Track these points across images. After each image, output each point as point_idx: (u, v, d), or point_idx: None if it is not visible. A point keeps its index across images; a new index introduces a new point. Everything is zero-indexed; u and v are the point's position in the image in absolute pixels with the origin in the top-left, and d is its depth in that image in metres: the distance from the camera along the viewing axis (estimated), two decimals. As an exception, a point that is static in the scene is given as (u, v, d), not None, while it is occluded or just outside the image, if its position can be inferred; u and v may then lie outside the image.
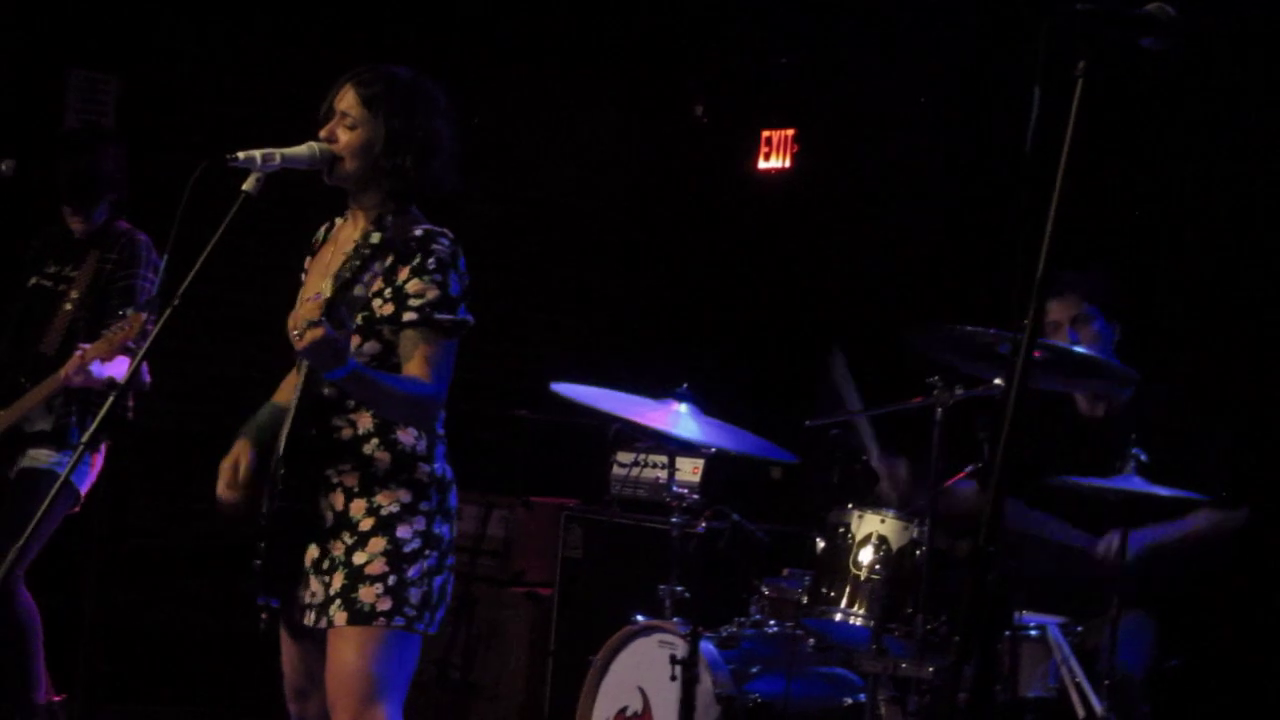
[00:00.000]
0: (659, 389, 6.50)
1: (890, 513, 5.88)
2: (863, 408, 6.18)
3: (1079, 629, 5.74)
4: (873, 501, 6.00)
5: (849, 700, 6.13)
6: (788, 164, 9.21)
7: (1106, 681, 5.40)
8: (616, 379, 6.48)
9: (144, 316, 6.17)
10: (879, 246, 8.37)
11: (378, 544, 4.59)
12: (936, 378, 5.75)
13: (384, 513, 4.62)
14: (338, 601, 4.58)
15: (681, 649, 6.14)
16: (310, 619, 4.66)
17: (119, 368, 6.54)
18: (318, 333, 4.29)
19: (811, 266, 8.78)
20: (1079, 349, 5.65)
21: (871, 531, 5.87)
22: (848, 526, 5.92)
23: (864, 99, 8.66)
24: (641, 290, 9.53)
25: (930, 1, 7.95)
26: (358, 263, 4.37)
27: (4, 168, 6.64)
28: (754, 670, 6.29)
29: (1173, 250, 7.20)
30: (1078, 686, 5.46)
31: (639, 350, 9.01)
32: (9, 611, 6.55)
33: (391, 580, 4.58)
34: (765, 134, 9.33)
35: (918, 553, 5.74)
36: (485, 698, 7.80)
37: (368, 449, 4.64)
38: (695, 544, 6.55)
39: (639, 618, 6.53)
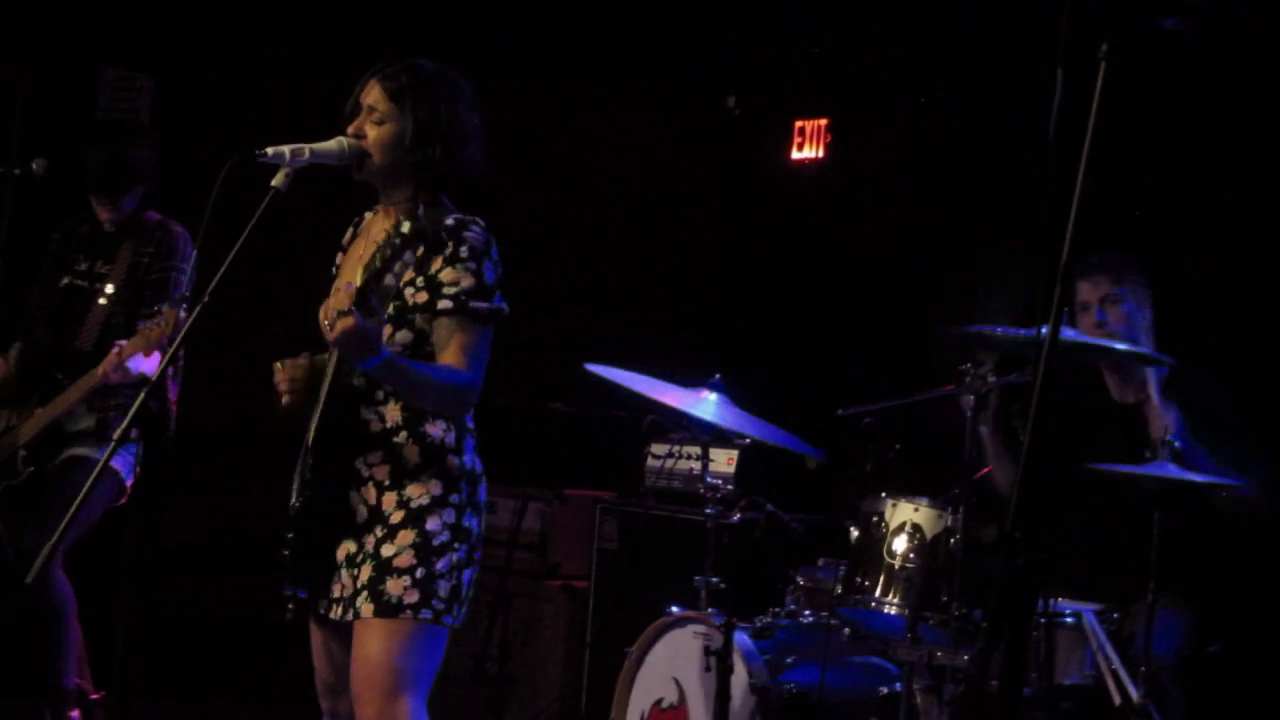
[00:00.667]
0: (692, 380, 6.50)
1: (924, 501, 5.87)
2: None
3: (1115, 616, 5.72)
4: (905, 490, 5.99)
5: (884, 689, 6.11)
6: (821, 154, 9.18)
7: (1143, 668, 5.38)
8: (650, 371, 6.48)
9: (179, 312, 6.17)
10: (912, 237, 8.35)
11: (406, 536, 4.60)
12: (969, 365, 5.74)
13: (414, 505, 4.62)
14: (365, 593, 4.58)
15: (716, 640, 6.14)
16: (338, 612, 4.66)
17: (154, 364, 6.55)
18: (348, 322, 4.29)
19: (845, 257, 8.75)
20: (1092, 339, 5.61)
21: (905, 520, 5.86)
22: (881, 515, 5.91)
23: (897, 88, 8.63)
24: (675, 282, 9.51)
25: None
26: (389, 252, 4.36)
27: (36, 167, 6.64)
28: (789, 660, 6.28)
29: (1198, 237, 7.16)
30: (1114, 674, 5.44)
31: (672, 342, 8.99)
32: (43, 593, 6.56)
33: (419, 573, 4.59)
34: (798, 124, 9.29)
35: (952, 540, 5.73)
36: (522, 691, 7.80)
37: (397, 441, 4.65)
38: (730, 535, 6.54)
39: (674, 609, 6.53)
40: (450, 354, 4.60)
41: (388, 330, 4.56)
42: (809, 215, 9.10)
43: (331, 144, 4.71)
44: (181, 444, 7.15)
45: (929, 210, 8.32)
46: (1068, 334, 5.40)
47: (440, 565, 4.62)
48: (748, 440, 6.97)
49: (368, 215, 4.99)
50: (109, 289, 6.79)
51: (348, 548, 4.65)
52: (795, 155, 9.29)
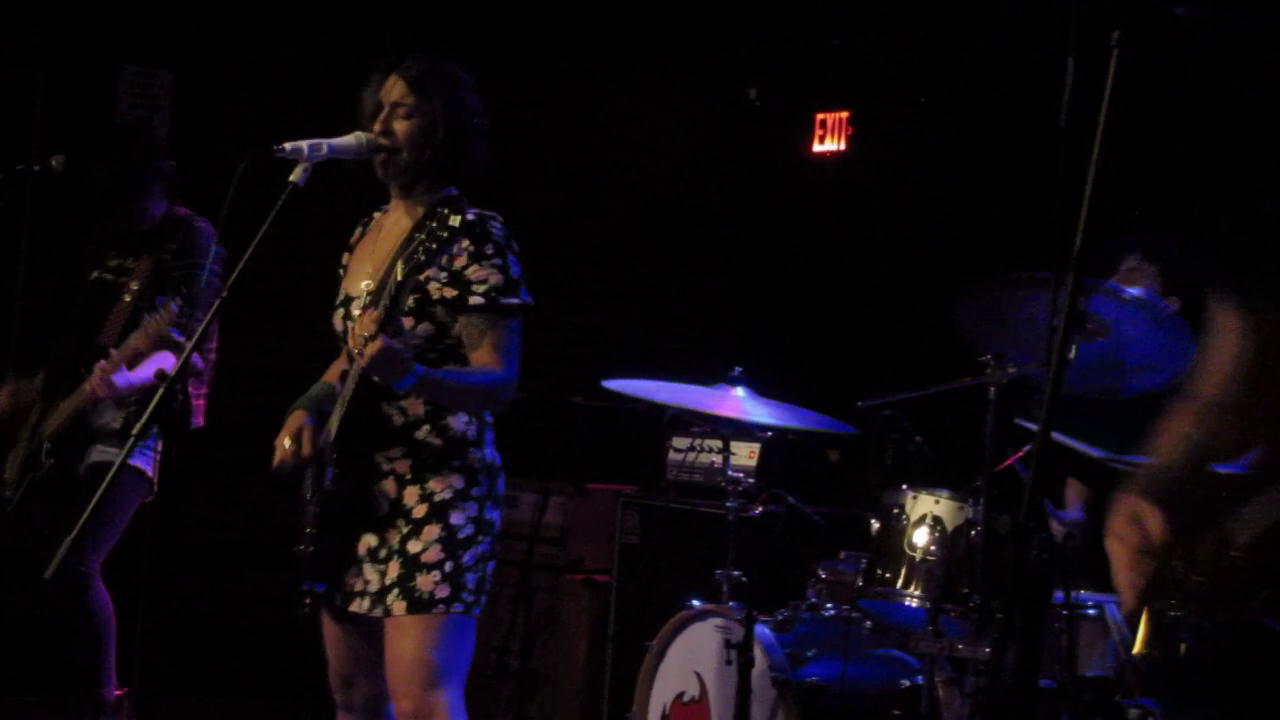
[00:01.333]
0: (714, 374, 6.50)
1: (944, 493, 5.85)
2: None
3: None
4: (926, 482, 5.97)
5: (906, 682, 6.09)
6: (843, 147, 9.17)
7: (1165, 660, 5.35)
8: (672, 364, 6.49)
9: (173, 307, 6.17)
10: (934, 229, 8.33)
11: (432, 531, 4.62)
12: (989, 356, 5.71)
13: (437, 499, 4.64)
14: (395, 590, 4.60)
15: (737, 633, 6.14)
16: (363, 606, 4.67)
17: (165, 360, 6.55)
18: (376, 347, 4.31)
19: (865, 250, 8.74)
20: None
21: (926, 512, 5.84)
22: (902, 507, 5.89)
23: (919, 81, 8.62)
24: (696, 275, 9.51)
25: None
26: (434, 245, 4.35)
27: (55, 164, 6.65)
28: (810, 653, 6.27)
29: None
30: (1136, 666, 5.42)
31: (695, 335, 9.01)
32: (84, 604, 6.57)
33: (448, 567, 4.62)
34: (819, 117, 9.28)
35: (973, 533, 5.71)
36: (545, 685, 7.80)
37: (419, 435, 4.66)
38: (751, 528, 6.54)
39: (694, 602, 6.53)
40: (483, 352, 4.63)
41: (409, 322, 4.57)
42: (830, 208, 9.09)
43: (349, 139, 4.72)
44: (203, 440, 7.16)
45: (949, 204, 8.30)
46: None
47: (467, 558, 4.65)
48: (769, 433, 6.96)
49: (376, 214, 4.99)
50: (134, 285, 6.79)
51: (369, 542, 4.66)
52: (816, 148, 9.28)
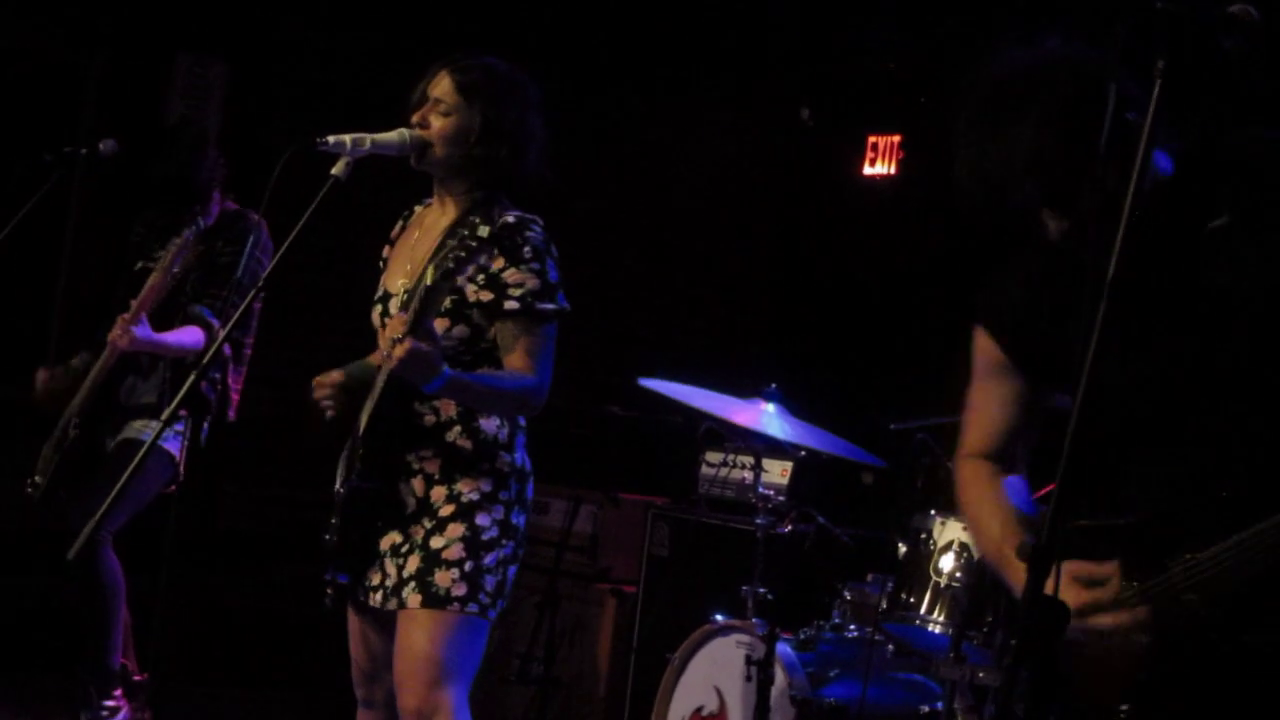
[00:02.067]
0: (750, 388, 6.48)
1: (973, 520, 5.82)
2: None
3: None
4: (955, 507, 5.94)
5: (926, 708, 6.07)
6: (893, 170, 9.14)
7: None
8: (711, 379, 6.47)
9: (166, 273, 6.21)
10: (978, 257, 8.28)
11: (456, 530, 4.61)
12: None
13: (464, 500, 4.63)
14: (412, 584, 4.60)
15: (759, 650, 6.11)
16: (378, 600, 4.67)
17: (193, 335, 6.56)
18: (405, 348, 4.29)
19: (911, 274, 8.71)
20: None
21: (953, 538, 5.83)
22: (930, 532, 5.88)
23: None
24: (741, 291, 9.50)
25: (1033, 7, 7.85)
26: (463, 254, 4.34)
27: (103, 147, 6.66)
28: (832, 674, 6.24)
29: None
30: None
31: (736, 352, 8.99)
32: (94, 572, 6.59)
33: (468, 566, 4.60)
34: (871, 139, 9.26)
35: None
36: (566, 693, 7.78)
37: (450, 436, 4.66)
38: (780, 546, 6.51)
39: (718, 617, 6.51)
40: (516, 357, 4.61)
41: (444, 324, 4.57)
42: (878, 231, 9.06)
43: (393, 135, 4.71)
44: (240, 432, 7.18)
45: (995, 233, 8.25)
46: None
47: (488, 560, 4.64)
48: (803, 452, 6.94)
49: (417, 208, 4.99)
50: (175, 270, 6.81)
51: (393, 538, 4.67)
52: (867, 170, 9.25)
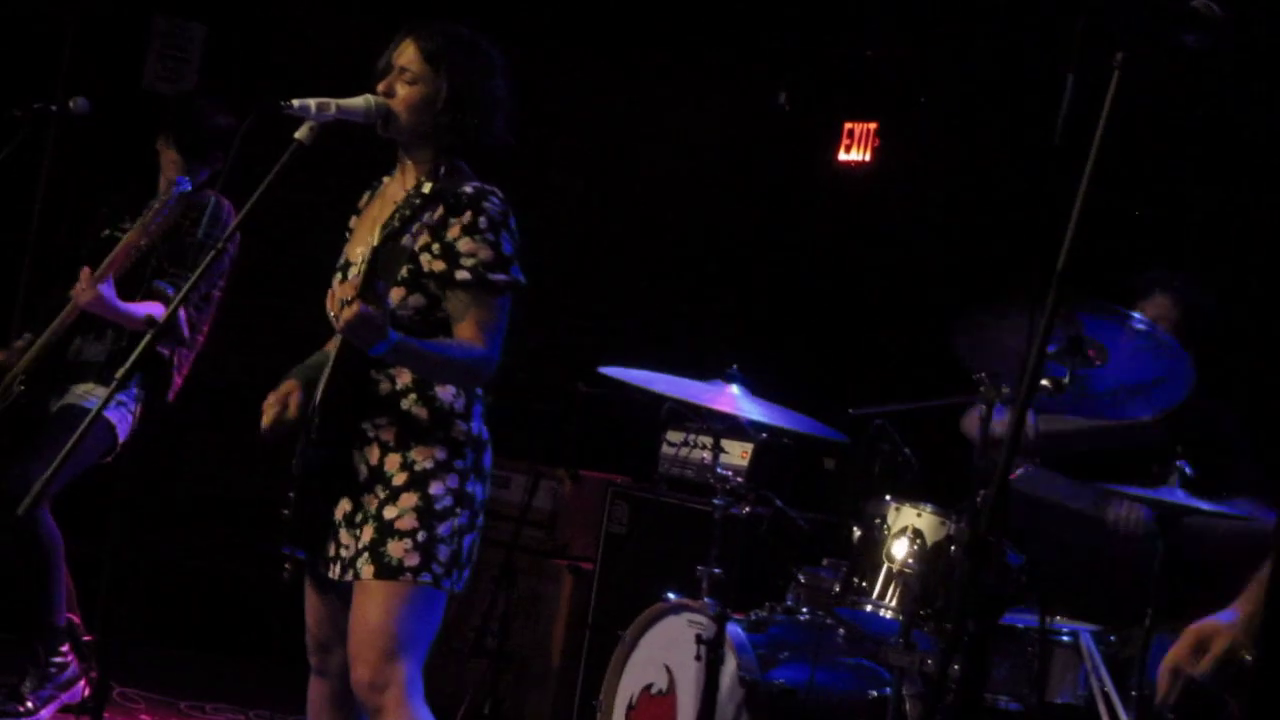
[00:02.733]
0: (713, 371, 6.48)
1: (928, 506, 5.84)
2: None
3: (1113, 639, 5.68)
4: (910, 494, 5.95)
5: (874, 693, 6.08)
6: (869, 158, 9.14)
7: (1135, 694, 5.33)
8: (676, 358, 6.47)
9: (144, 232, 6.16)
10: (948, 247, 8.30)
11: (409, 499, 4.59)
12: (983, 375, 5.69)
13: (418, 469, 4.61)
14: (365, 555, 4.58)
15: (709, 629, 6.11)
16: (336, 572, 4.66)
17: (155, 309, 6.56)
18: (352, 311, 4.28)
19: (882, 261, 8.72)
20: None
21: (907, 525, 5.83)
22: (884, 518, 5.89)
23: (948, 95, 8.59)
24: (709, 272, 9.50)
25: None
26: (408, 211, 4.34)
27: (73, 105, 6.65)
28: (782, 656, 6.24)
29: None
30: (1106, 697, 5.41)
31: (701, 332, 8.99)
32: (34, 531, 6.58)
33: (421, 536, 4.58)
34: (848, 126, 9.25)
35: (953, 548, 5.69)
36: (520, 667, 7.80)
37: (405, 404, 4.64)
38: (736, 527, 6.51)
39: (670, 596, 6.52)
40: (465, 327, 4.59)
41: (400, 293, 4.55)
42: (851, 218, 9.07)
43: (359, 100, 4.70)
44: (205, 398, 7.17)
45: (971, 223, 8.27)
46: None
47: (442, 530, 4.61)
48: (764, 435, 6.94)
49: (385, 179, 4.98)
50: (143, 243, 6.80)
51: (344, 507, 4.65)
52: (843, 157, 9.25)
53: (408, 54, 4.75)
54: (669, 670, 6.40)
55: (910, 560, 5.77)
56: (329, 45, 8.98)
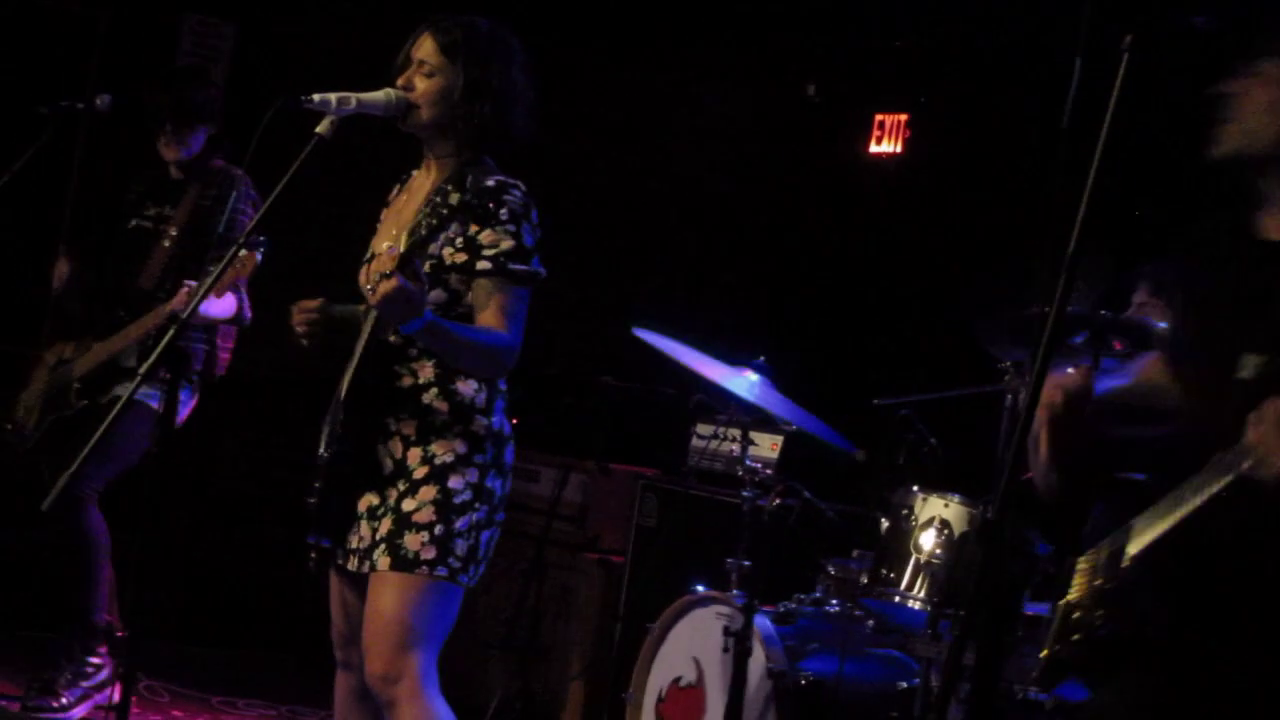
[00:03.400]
0: (739, 359, 6.48)
1: (955, 497, 5.82)
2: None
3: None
4: (937, 484, 5.94)
5: (903, 684, 6.06)
6: (899, 149, 9.11)
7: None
8: (706, 353, 6.46)
9: (257, 256, 6.16)
10: (981, 239, 8.27)
11: (428, 492, 4.60)
12: (1008, 364, 5.68)
13: (438, 462, 4.62)
14: (382, 546, 4.59)
15: (737, 621, 6.10)
16: (354, 563, 4.67)
17: (225, 304, 6.60)
18: (391, 284, 4.29)
19: (910, 252, 8.69)
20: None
21: (934, 515, 5.82)
22: (911, 509, 5.88)
23: (979, 86, 8.56)
24: (738, 262, 9.47)
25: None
26: (435, 221, 4.36)
27: (100, 102, 6.68)
28: (811, 647, 6.24)
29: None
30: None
31: (731, 326, 8.97)
32: (79, 526, 6.61)
33: (438, 530, 4.59)
34: (878, 117, 9.23)
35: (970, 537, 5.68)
36: (550, 660, 7.79)
37: (427, 398, 4.65)
38: (764, 519, 6.51)
39: (698, 588, 6.51)
40: (489, 315, 4.60)
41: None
42: (881, 210, 9.04)
43: (379, 94, 4.71)
44: (237, 393, 7.19)
45: (1000, 215, 8.24)
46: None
47: (460, 524, 4.62)
48: (793, 426, 6.93)
49: (414, 172, 4.98)
50: (173, 231, 6.84)
51: (369, 500, 4.66)
52: (873, 149, 9.22)
53: (425, 47, 4.76)
54: (697, 663, 6.40)
55: (938, 551, 5.77)
56: (358, 43, 8.98)
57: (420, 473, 4.62)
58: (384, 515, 4.62)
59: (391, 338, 4.65)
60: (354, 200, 5.70)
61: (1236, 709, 3.31)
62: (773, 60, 9.53)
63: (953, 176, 8.66)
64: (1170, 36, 3.20)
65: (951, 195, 8.63)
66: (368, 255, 4.90)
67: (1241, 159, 3.46)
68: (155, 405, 6.62)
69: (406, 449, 4.64)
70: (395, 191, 5.04)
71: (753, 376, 6.33)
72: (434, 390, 4.66)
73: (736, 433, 7.04)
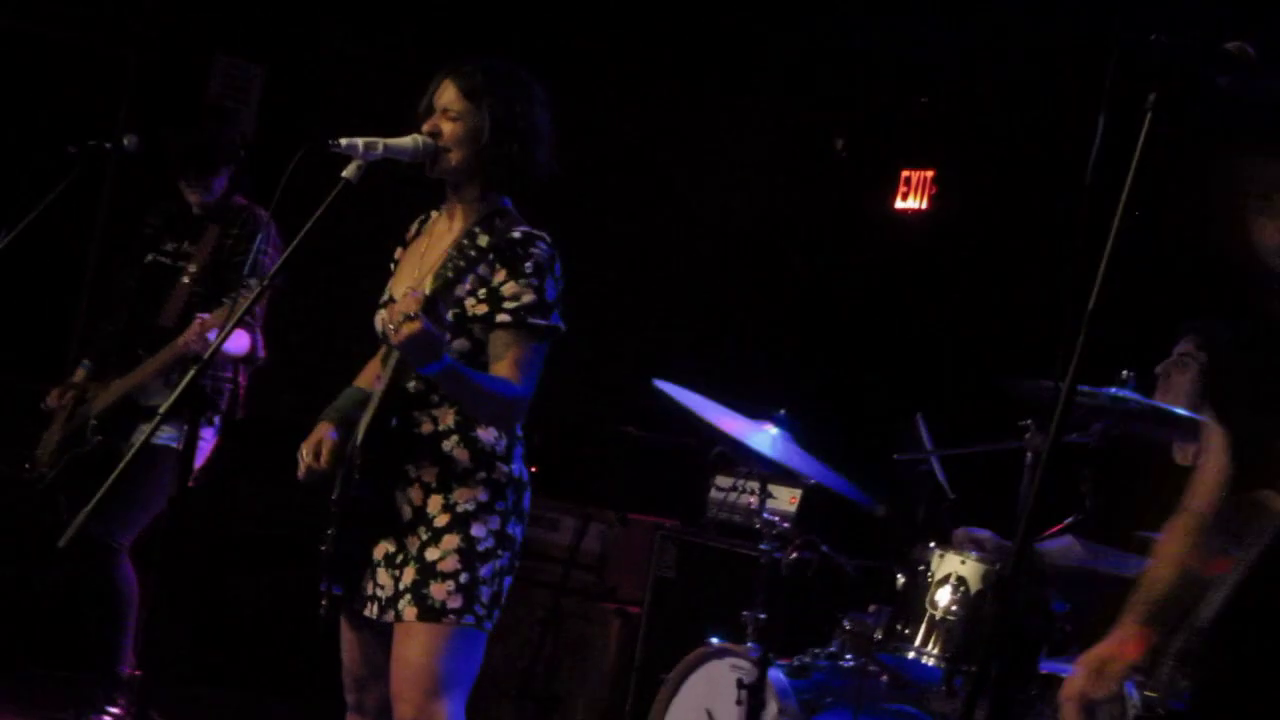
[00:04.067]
0: (760, 413, 6.47)
1: (972, 554, 5.80)
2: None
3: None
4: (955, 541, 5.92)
5: (917, 740, 6.05)
6: (925, 205, 9.12)
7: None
8: (727, 405, 6.45)
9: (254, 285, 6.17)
10: (1010, 294, 8.27)
11: (451, 541, 4.59)
12: (1029, 421, 5.67)
13: (460, 510, 4.61)
14: (408, 596, 4.58)
15: (752, 674, 6.09)
16: (374, 611, 4.66)
17: (239, 341, 6.60)
18: (415, 327, 4.29)
19: (935, 308, 8.69)
20: (1148, 401, 5.48)
21: (951, 571, 5.79)
22: (928, 564, 5.85)
23: (1004, 143, 8.57)
24: (766, 319, 9.49)
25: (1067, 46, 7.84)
26: (462, 264, 4.36)
27: (127, 143, 6.69)
28: (825, 702, 6.22)
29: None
30: (1149, 746, 5.34)
31: (755, 378, 8.96)
32: (110, 579, 6.61)
33: (464, 578, 4.58)
34: (905, 173, 9.24)
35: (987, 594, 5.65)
36: (566, 709, 7.78)
37: (447, 445, 4.64)
38: (781, 572, 6.49)
39: (713, 640, 6.50)
40: (504, 366, 4.60)
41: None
42: (907, 266, 9.05)
43: (406, 140, 4.71)
44: (256, 434, 7.19)
45: (1025, 271, 8.23)
46: (1126, 395, 5.35)
47: (484, 571, 4.62)
48: (812, 481, 6.92)
49: (434, 213, 4.99)
50: (192, 268, 6.85)
51: (386, 547, 4.65)
52: (899, 204, 9.24)
53: (448, 94, 4.76)
54: (711, 715, 6.38)
55: (953, 607, 5.73)
56: (385, 86, 9.02)
57: (442, 520, 4.61)
58: (405, 564, 4.61)
59: (411, 385, 4.65)
60: (373, 243, 5.71)
61: None
62: (801, 115, 9.55)
63: (978, 232, 8.67)
64: (1195, 95, 3.21)
65: (977, 250, 8.64)
66: (385, 298, 4.90)
67: None
68: (179, 448, 6.61)
69: (427, 496, 4.64)
70: (413, 233, 5.03)
71: (773, 430, 6.31)
72: (455, 438, 4.65)
73: (755, 485, 7.03)
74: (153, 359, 6.72)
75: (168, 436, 6.62)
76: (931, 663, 5.73)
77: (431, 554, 4.59)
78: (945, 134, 8.99)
